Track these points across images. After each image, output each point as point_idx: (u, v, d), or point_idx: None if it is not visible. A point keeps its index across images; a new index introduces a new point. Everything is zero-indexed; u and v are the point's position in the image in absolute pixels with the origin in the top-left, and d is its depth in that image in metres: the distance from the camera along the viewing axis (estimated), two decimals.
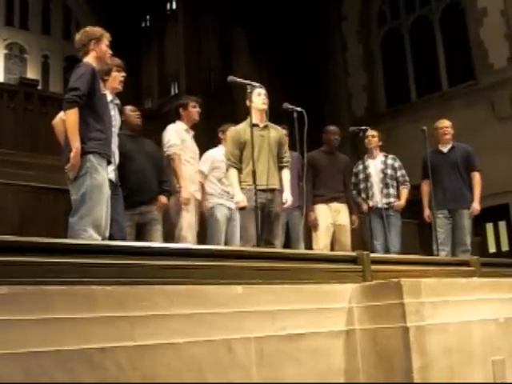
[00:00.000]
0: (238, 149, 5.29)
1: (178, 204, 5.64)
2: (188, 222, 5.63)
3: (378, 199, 6.81)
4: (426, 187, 6.94)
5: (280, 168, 5.45)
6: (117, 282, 2.72)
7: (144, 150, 5.48)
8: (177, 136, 5.74)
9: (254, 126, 5.24)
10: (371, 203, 6.75)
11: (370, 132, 7.00)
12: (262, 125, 5.36)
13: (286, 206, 5.40)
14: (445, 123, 7.05)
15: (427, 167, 6.74)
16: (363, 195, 6.82)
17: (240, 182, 5.25)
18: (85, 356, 2.46)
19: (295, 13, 15.60)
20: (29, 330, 2.37)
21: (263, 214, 5.18)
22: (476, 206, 6.85)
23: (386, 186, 6.88)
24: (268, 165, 5.27)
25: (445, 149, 7.00)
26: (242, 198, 5.12)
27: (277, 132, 5.46)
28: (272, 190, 5.28)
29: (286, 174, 5.50)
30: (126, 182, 5.01)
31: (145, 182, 5.35)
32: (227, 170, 5.38)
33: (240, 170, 5.28)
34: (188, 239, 5.59)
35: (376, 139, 7.02)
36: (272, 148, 5.35)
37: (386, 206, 6.81)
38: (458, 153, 6.98)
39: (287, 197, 5.39)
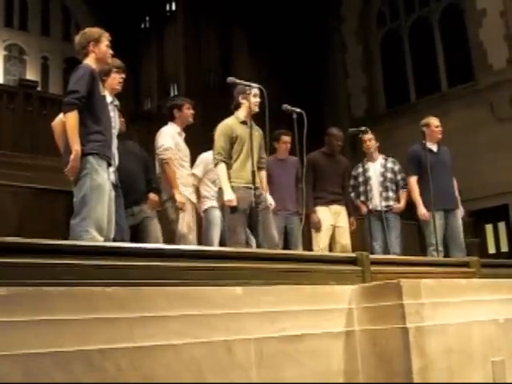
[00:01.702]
0: (229, 143, 5.20)
1: (175, 208, 5.59)
2: (187, 223, 5.61)
3: (378, 202, 6.82)
4: (416, 184, 6.77)
5: (258, 168, 5.36)
6: (116, 284, 2.72)
7: (128, 150, 5.46)
8: (171, 139, 5.66)
9: (242, 122, 5.25)
10: (370, 206, 6.74)
11: (367, 136, 6.92)
12: (249, 123, 5.31)
13: (272, 206, 5.43)
14: (438, 122, 6.96)
15: (417, 164, 6.67)
16: (362, 198, 6.82)
17: (229, 178, 5.16)
18: (84, 357, 2.46)
19: (295, 14, 15.62)
20: (28, 331, 2.36)
21: (254, 214, 5.14)
22: (462, 209, 6.90)
23: (386, 189, 6.88)
24: (254, 161, 5.25)
25: (434, 148, 6.86)
26: (233, 197, 5.02)
27: (259, 132, 5.44)
28: (257, 188, 5.22)
29: (264, 175, 5.51)
30: None
31: (133, 183, 5.34)
32: (216, 165, 5.22)
33: (229, 166, 5.19)
34: (190, 240, 5.59)
35: (373, 142, 7.00)
36: (257, 146, 5.32)
37: (385, 208, 6.82)
38: (446, 154, 6.93)
39: (269, 199, 5.47)
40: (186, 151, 5.86)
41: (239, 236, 5.02)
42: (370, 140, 6.96)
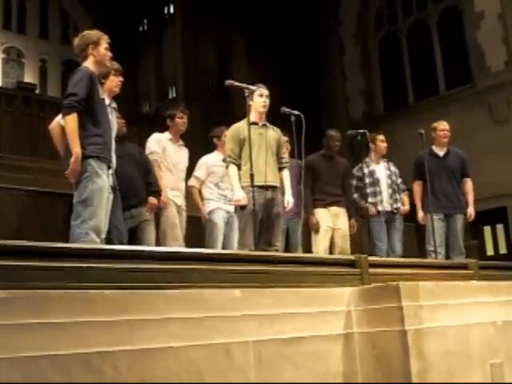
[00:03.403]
0: (238, 146, 5.25)
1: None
2: (171, 222, 5.76)
3: (387, 204, 6.83)
4: (418, 188, 6.89)
5: (279, 169, 5.43)
6: (115, 287, 2.72)
7: (128, 153, 5.49)
8: (157, 144, 5.89)
9: (253, 124, 5.26)
10: (380, 208, 6.76)
11: (381, 136, 7.01)
12: (260, 123, 5.36)
13: (288, 208, 5.39)
14: (445, 126, 6.96)
15: (421, 169, 6.69)
16: (371, 200, 6.80)
17: (240, 179, 5.21)
18: (83, 360, 2.46)
19: (293, 16, 15.61)
20: (27, 334, 2.36)
21: (264, 215, 5.17)
22: (472, 211, 6.87)
23: (394, 191, 6.91)
24: (268, 162, 5.24)
25: (441, 152, 6.92)
26: (242, 196, 5.08)
27: (275, 132, 5.47)
28: (273, 188, 5.25)
29: (286, 175, 5.48)
30: None
31: (131, 186, 5.36)
32: (227, 166, 5.33)
33: (239, 167, 5.25)
34: (173, 237, 5.70)
35: (385, 144, 7.05)
36: (271, 146, 5.34)
37: (395, 210, 6.86)
38: (453, 158, 6.94)
39: (289, 199, 5.36)
40: (176, 159, 6.00)
41: (247, 238, 5.04)
42: (382, 141, 7.01)
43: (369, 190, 6.85)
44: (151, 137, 6.03)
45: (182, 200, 5.99)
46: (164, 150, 5.90)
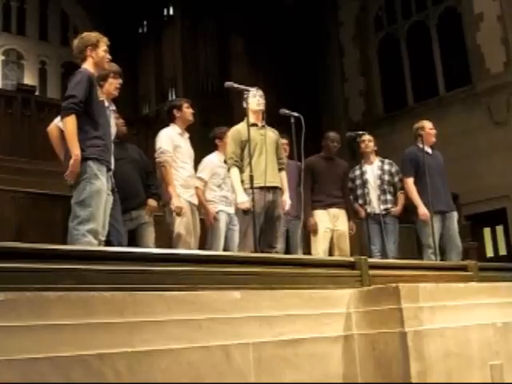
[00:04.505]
0: (239, 148, 5.26)
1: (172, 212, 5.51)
2: (185, 227, 5.54)
3: (376, 205, 6.77)
4: (413, 184, 6.65)
5: (278, 170, 5.45)
6: (114, 289, 2.72)
7: (127, 155, 5.46)
8: (169, 142, 5.61)
9: (253, 125, 5.28)
10: (368, 209, 6.73)
11: (366, 136, 6.95)
12: (260, 125, 5.39)
13: (286, 208, 5.40)
14: (432, 125, 6.93)
15: (414, 165, 6.61)
16: (360, 201, 6.80)
17: (242, 182, 5.20)
18: (82, 362, 2.45)
19: (292, 19, 15.64)
20: (26, 336, 2.36)
21: (265, 216, 5.17)
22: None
23: (383, 192, 6.82)
24: (270, 163, 5.26)
25: (429, 150, 6.81)
26: (246, 199, 5.06)
27: (274, 133, 5.50)
28: (274, 189, 5.26)
29: (284, 177, 5.53)
30: None
31: (131, 188, 5.34)
32: (229, 169, 5.33)
33: (241, 169, 5.24)
34: (188, 242, 5.54)
35: (372, 143, 6.97)
36: (272, 147, 5.37)
37: (383, 212, 6.77)
38: (439, 157, 6.88)
39: (286, 199, 5.41)
40: (188, 152, 5.81)
41: (248, 240, 5.03)
42: (369, 141, 6.95)
43: (359, 192, 6.84)
44: (161, 133, 5.70)
45: (195, 197, 5.80)
46: (177, 146, 5.64)
